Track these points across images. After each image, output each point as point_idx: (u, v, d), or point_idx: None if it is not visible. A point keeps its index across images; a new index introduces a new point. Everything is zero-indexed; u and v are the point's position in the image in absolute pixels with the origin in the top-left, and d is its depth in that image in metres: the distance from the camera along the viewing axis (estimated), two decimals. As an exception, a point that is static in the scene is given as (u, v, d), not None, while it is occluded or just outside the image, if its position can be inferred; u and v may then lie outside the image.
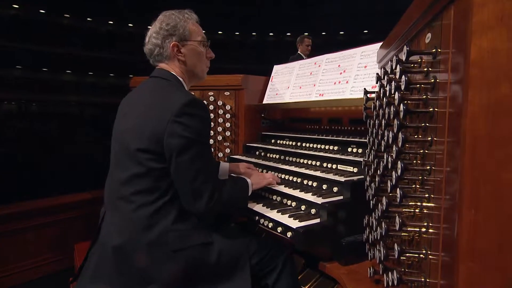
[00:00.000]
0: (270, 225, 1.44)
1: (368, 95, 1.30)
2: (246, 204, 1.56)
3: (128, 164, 1.30)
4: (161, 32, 1.45)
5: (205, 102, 2.46)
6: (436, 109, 0.69)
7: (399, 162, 0.73)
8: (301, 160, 1.88)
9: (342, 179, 1.46)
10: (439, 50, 0.69)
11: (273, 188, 1.68)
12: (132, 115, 1.37)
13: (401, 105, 0.73)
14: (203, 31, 1.57)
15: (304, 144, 2.04)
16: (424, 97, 0.75)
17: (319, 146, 1.92)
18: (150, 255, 1.23)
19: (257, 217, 1.54)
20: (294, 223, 1.34)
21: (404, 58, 0.75)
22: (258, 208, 1.58)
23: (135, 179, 1.28)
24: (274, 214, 1.47)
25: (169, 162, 1.27)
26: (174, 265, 1.24)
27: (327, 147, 1.86)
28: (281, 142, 2.25)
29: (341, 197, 1.43)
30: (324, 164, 1.73)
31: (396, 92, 0.77)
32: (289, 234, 1.33)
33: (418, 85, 0.79)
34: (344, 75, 1.94)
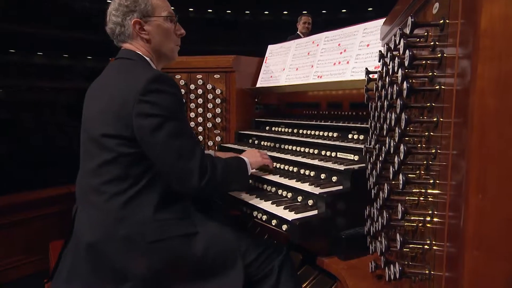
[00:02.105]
0: (264, 217, 1.45)
1: (371, 75, 1.30)
2: (247, 182, 1.56)
3: (96, 152, 1.30)
4: (120, 9, 1.42)
5: (193, 86, 2.44)
6: (443, 87, 0.69)
7: (402, 145, 0.72)
8: (298, 148, 1.89)
9: (342, 167, 1.47)
10: (447, 21, 0.68)
11: (267, 178, 1.69)
12: (97, 101, 1.37)
13: (405, 83, 0.73)
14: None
15: (301, 131, 2.04)
16: (430, 74, 0.74)
17: (317, 132, 1.92)
18: (126, 250, 1.23)
19: (249, 209, 1.54)
20: (290, 215, 1.35)
21: (408, 31, 0.74)
22: (251, 199, 1.59)
23: (104, 167, 1.27)
24: (268, 206, 1.48)
25: (144, 146, 1.26)
26: (152, 258, 1.23)
27: (326, 133, 1.87)
28: (276, 129, 2.26)
29: (341, 187, 1.44)
30: (323, 152, 1.74)
31: (400, 69, 0.76)
32: (284, 227, 1.34)
33: (423, 62, 0.78)
34: (344, 54, 1.93)
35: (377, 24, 1.80)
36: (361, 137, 1.70)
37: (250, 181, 1.78)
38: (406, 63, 0.73)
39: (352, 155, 1.60)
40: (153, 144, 1.25)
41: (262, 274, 1.37)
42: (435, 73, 0.73)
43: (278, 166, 1.83)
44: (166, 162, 1.26)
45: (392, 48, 0.93)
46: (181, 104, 1.35)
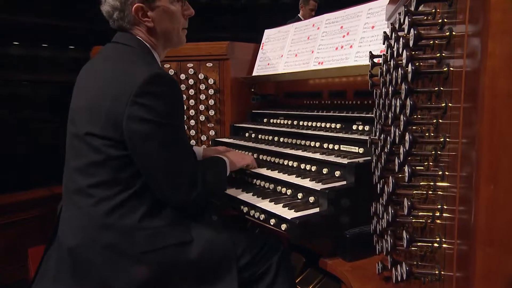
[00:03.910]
0: (262, 217, 1.45)
1: (375, 59, 1.28)
2: (225, 187, 1.58)
3: (83, 150, 1.28)
4: None
5: (183, 75, 2.42)
6: (451, 69, 0.68)
7: (407, 134, 0.72)
8: (298, 141, 1.89)
9: (345, 161, 1.46)
10: (456, -5, 0.67)
11: (266, 174, 1.68)
12: (86, 91, 1.34)
13: (410, 65, 0.72)
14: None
15: (301, 123, 2.04)
16: (437, 55, 0.73)
17: (318, 124, 1.92)
18: (113, 259, 1.23)
19: (246, 208, 1.55)
20: (289, 214, 1.35)
21: (413, 8, 0.73)
22: (247, 197, 1.59)
23: (92, 169, 1.26)
24: (266, 204, 1.48)
25: (133, 152, 1.25)
26: (143, 270, 1.23)
27: (328, 125, 1.86)
28: (275, 121, 2.25)
29: (344, 182, 1.44)
30: (325, 145, 1.74)
31: (405, 50, 0.75)
32: (283, 226, 1.34)
33: (431, 42, 0.77)
34: (347, 38, 1.91)
35: (383, 4, 1.78)
36: (367, 128, 1.69)
37: (247, 178, 1.79)
38: (411, 44, 0.72)
39: (357, 148, 1.60)
40: (143, 153, 1.24)
41: (259, 273, 1.40)
42: (443, 54, 0.72)
43: (276, 161, 1.83)
44: (155, 174, 1.26)
45: (397, 28, 0.92)
46: (180, 107, 1.34)
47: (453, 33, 0.68)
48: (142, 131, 1.22)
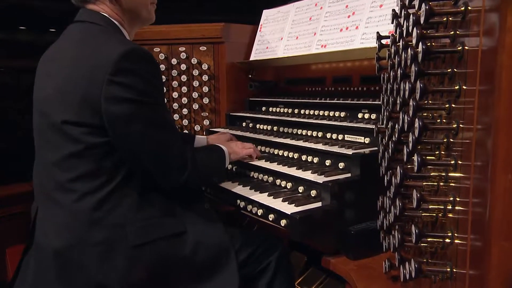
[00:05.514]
0: (260, 212, 1.46)
1: (383, 41, 1.27)
2: (223, 177, 1.61)
3: (59, 141, 1.27)
4: None
5: (174, 60, 2.40)
6: (466, 48, 0.67)
7: (417, 120, 0.71)
8: (299, 131, 1.89)
9: (350, 152, 1.47)
10: (472, -35, 0.65)
11: (264, 166, 1.69)
12: (53, 78, 1.31)
13: (420, 44, 0.70)
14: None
15: (302, 111, 2.05)
16: (451, 33, 0.72)
17: (321, 112, 1.92)
18: (105, 257, 1.23)
19: (243, 203, 1.55)
20: (289, 208, 1.35)
21: (425, -20, 0.72)
22: (244, 191, 1.60)
23: (71, 161, 1.25)
24: (264, 198, 1.49)
25: (115, 136, 1.24)
26: (137, 264, 1.24)
27: (331, 113, 1.87)
28: (274, 109, 2.26)
29: (349, 175, 1.44)
30: (328, 135, 1.74)
31: (415, 28, 0.74)
32: (283, 222, 1.35)
33: (444, 18, 0.76)
34: (353, 18, 1.90)
35: (392, -20, 1.77)
36: (373, 116, 1.70)
37: (244, 170, 1.80)
38: (422, 20, 0.71)
39: (362, 138, 1.60)
40: (126, 136, 1.24)
41: (258, 270, 1.43)
42: (457, 32, 0.71)
43: (276, 152, 1.83)
44: (142, 158, 1.27)
45: (407, 4, 0.90)
46: (160, 84, 1.34)
47: (469, 8, 0.67)
48: (124, 113, 1.22)
